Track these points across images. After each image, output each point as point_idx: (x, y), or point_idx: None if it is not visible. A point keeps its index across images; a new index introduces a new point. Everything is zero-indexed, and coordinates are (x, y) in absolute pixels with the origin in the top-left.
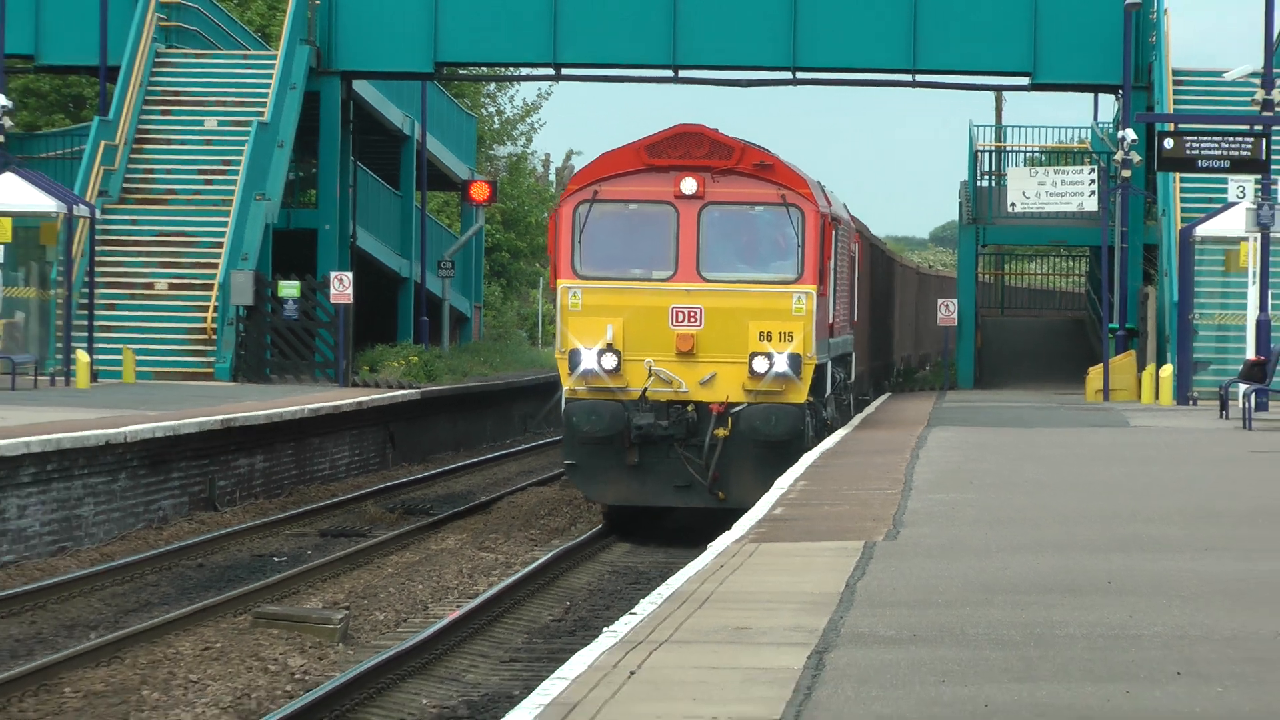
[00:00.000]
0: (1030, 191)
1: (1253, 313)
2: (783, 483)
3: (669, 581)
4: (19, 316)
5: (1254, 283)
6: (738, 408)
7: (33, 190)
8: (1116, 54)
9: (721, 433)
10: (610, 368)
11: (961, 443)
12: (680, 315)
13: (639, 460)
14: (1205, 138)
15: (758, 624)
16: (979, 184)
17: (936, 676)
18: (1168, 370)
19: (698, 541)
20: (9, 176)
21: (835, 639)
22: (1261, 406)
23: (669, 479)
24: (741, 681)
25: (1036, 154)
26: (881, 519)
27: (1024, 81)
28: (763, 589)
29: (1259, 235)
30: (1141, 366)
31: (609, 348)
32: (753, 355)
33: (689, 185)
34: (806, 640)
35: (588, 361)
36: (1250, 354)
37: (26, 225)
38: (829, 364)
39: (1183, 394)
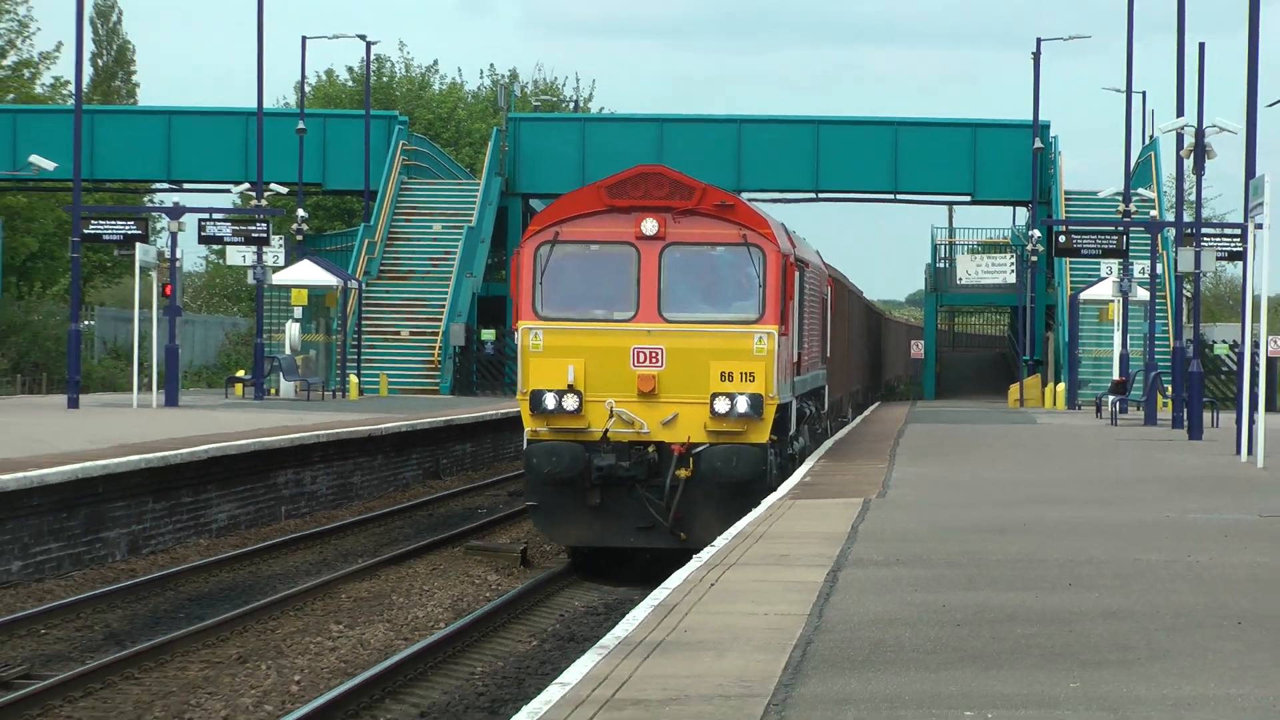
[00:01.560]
0: (971, 270)
1: (1116, 349)
2: (811, 461)
3: (737, 524)
4: (312, 353)
5: (1117, 329)
6: (699, 448)
7: (321, 271)
8: (1027, 181)
9: (683, 473)
10: (571, 409)
11: (928, 434)
12: (642, 356)
13: (600, 501)
14: (1085, 235)
15: (793, 552)
16: (938, 265)
17: (910, 587)
18: (1061, 387)
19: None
20: (306, 262)
21: (844, 562)
22: (1123, 410)
23: (631, 520)
24: (783, 590)
25: (975, 246)
26: (875, 484)
27: (967, 199)
28: (796, 530)
29: (1120, 299)
30: (1044, 384)
31: (570, 388)
32: (714, 396)
33: (650, 226)
34: (825, 563)
35: (549, 402)
36: (1115, 376)
37: (316, 293)
38: (793, 402)
39: (1071, 402)
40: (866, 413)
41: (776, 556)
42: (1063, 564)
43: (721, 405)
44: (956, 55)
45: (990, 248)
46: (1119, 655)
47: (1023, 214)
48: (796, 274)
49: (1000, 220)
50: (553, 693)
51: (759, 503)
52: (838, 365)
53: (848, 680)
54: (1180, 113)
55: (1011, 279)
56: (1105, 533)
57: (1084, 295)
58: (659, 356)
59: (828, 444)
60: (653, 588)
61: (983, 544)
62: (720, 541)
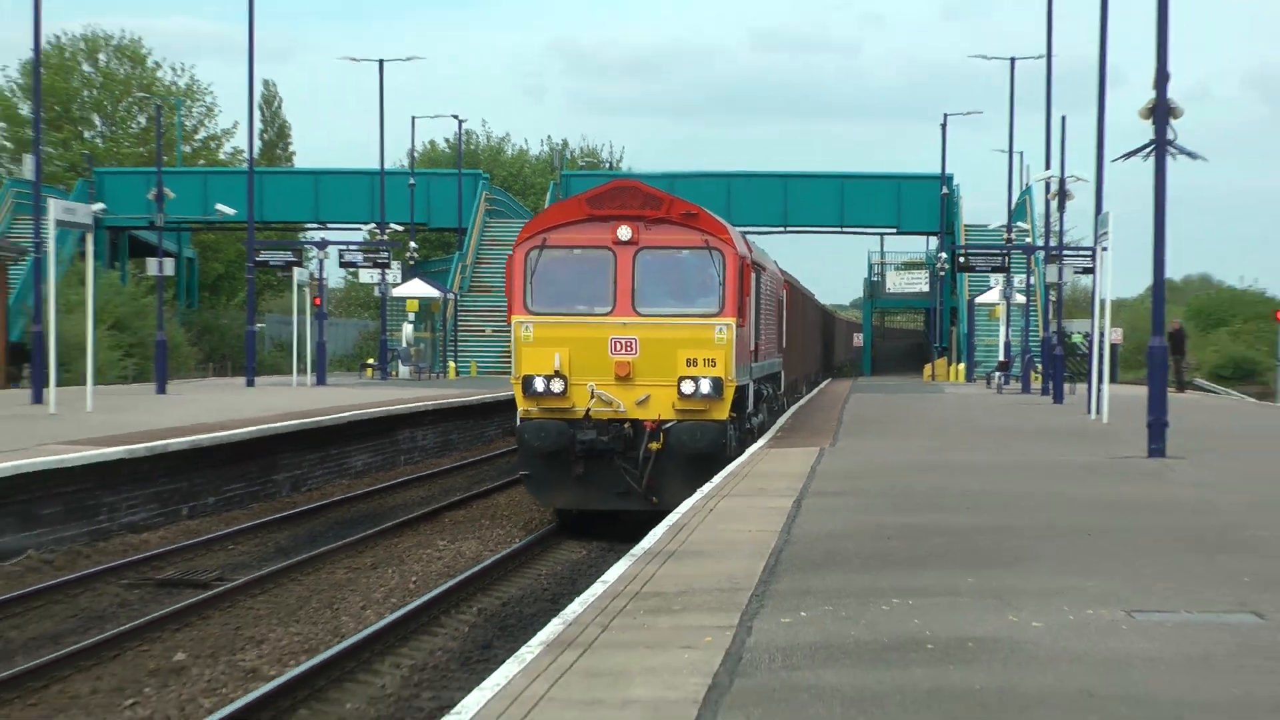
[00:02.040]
0: (897, 282)
1: (1001, 339)
2: (782, 419)
3: (729, 466)
4: (422, 346)
5: (1002, 324)
6: (668, 424)
7: (427, 286)
8: (936, 217)
9: (655, 446)
10: (558, 391)
11: (867, 400)
12: (618, 345)
13: (583, 471)
14: (978, 256)
15: (769, 486)
16: (873, 279)
17: (855, 510)
18: (961, 366)
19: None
20: (416, 280)
21: (806, 493)
22: (1006, 382)
23: (610, 487)
24: (762, 513)
25: (899, 264)
26: (828, 436)
27: (893, 230)
28: (771, 470)
29: (1004, 302)
30: (949, 364)
31: (556, 373)
32: (681, 379)
33: (625, 232)
34: (792, 494)
35: (538, 386)
36: (1000, 358)
37: (424, 302)
38: (750, 384)
39: (969, 377)
40: (821, 386)
41: (757, 489)
42: (963, 493)
43: (687, 387)
44: (886, 126)
45: (910, 266)
46: (1004, 559)
47: (934, 241)
48: (753, 274)
49: (918, 246)
50: (597, 588)
51: (720, 470)
52: (793, 352)
53: (808, 577)
54: (1048, 166)
55: (926, 289)
56: (994, 470)
57: (978, 300)
58: (633, 345)
59: (793, 409)
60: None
61: (906, 480)
62: (717, 479)
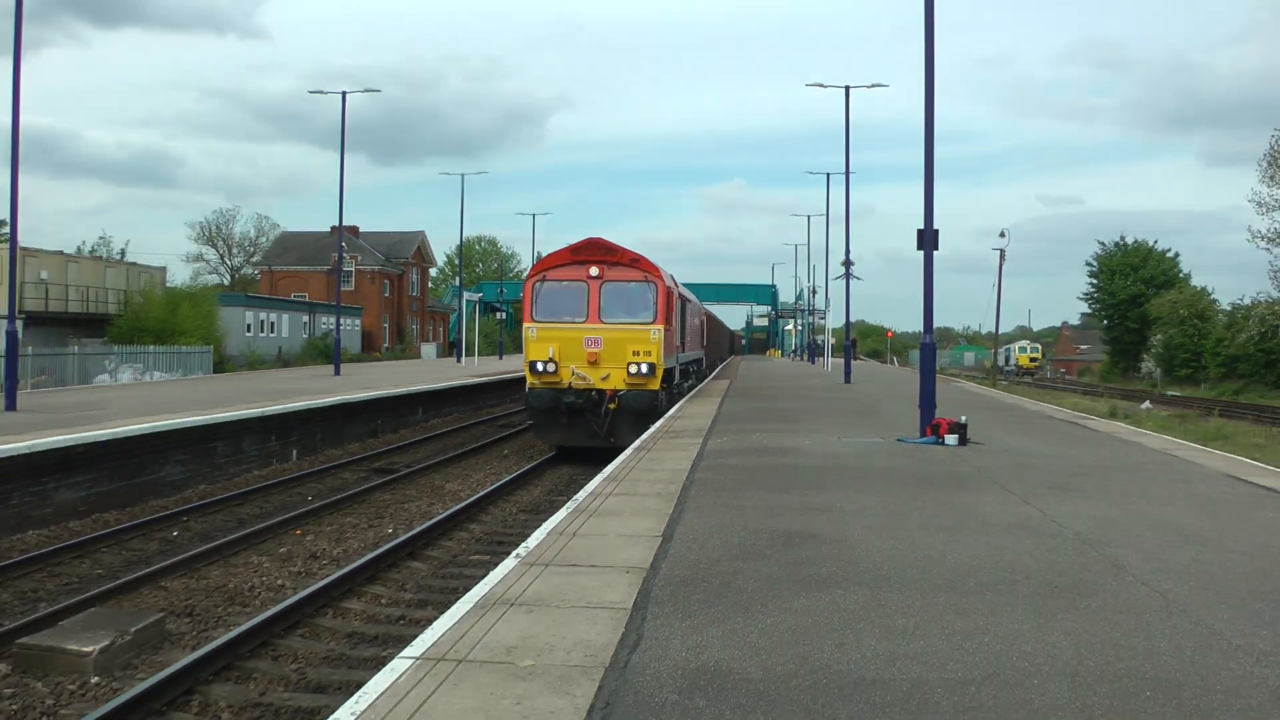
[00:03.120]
0: (756, 320)
1: (793, 342)
2: (700, 384)
3: (656, 423)
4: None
5: (793, 336)
6: (621, 392)
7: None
8: (769, 296)
9: (613, 406)
10: (551, 371)
11: (746, 364)
12: (589, 342)
13: (567, 421)
14: (787, 315)
15: (683, 432)
16: (750, 318)
17: (738, 408)
18: (779, 352)
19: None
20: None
21: (705, 448)
22: (812, 360)
23: (584, 431)
24: (681, 456)
25: (758, 315)
26: (722, 391)
27: (755, 305)
28: (684, 423)
29: (795, 327)
30: (775, 351)
31: (550, 359)
32: (629, 363)
33: (594, 271)
34: (696, 442)
35: (539, 367)
36: (793, 348)
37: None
38: (676, 367)
39: (783, 355)
40: (728, 360)
41: (677, 440)
42: (771, 393)
43: (633, 369)
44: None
45: (759, 314)
46: (790, 419)
47: (766, 307)
48: (677, 300)
49: (764, 307)
50: (569, 505)
51: (655, 421)
52: (711, 347)
53: (708, 494)
54: (810, 280)
55: (767, 323)
56: (782, 378)
57: (786, 328)
58: (599, 342)
59: (710, 376)
60: (602, 468)
61: (759, 391)
62: (645, 435)
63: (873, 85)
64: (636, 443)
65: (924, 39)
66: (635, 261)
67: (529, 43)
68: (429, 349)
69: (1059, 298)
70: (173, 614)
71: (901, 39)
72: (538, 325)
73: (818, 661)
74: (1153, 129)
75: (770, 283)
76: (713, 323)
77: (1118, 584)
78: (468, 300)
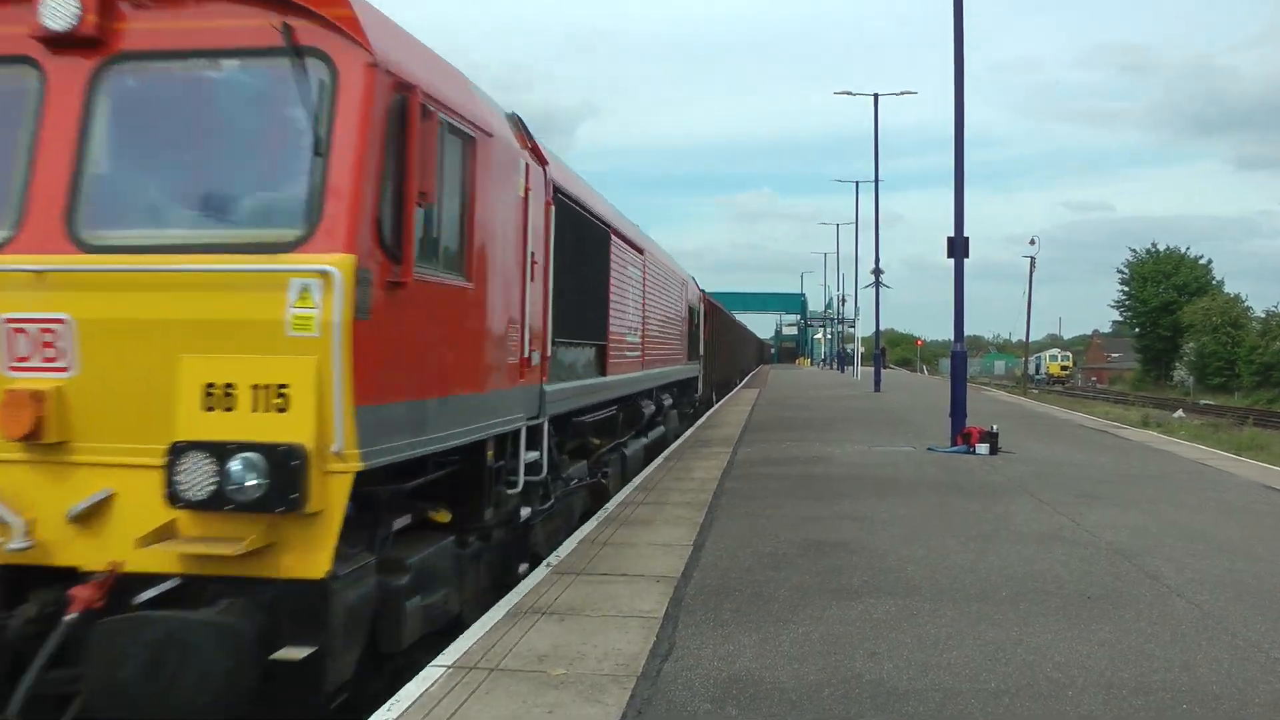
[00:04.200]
0: (785, 330)
1: (822, 349)
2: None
3: (696, 421)
4: None
5: (823, 345)
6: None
7: None
8: (798, 304)
9: None
10: None
11: (775, 372)
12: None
13: None
14: (816, 322)
15: (713, 441)
16: (781, 329)
17: (769, 408)
18: (809, 360)
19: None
20: None
21: (735, 457)
22: (842, 368)
23: None
24: (711, 465)
25: (787, 323)
26: (758, 389)
27: (784, 313)
28: (714, 432)
29: (824, 336)
30: (805, 359)
31: None
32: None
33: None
34: (727, 451)
35: None
36: (822, 357)
37: None
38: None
39: (813, 364)
40: (754, 372)
41: (704, 447)
42: (799, 404)
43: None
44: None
45: (788, 322)
46: (819, 428)
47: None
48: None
49: (791, 317)
50: (599, 514)
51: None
52: (733, 358)
53: (739, 503)
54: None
55: (797, 331)
56: (814, 388)
57: (816, 337)
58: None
59: (738, 385)
60: None
61: (788, 397)
62: (676, 444)
63: (902, 92)
64: (666, 452)
65: (953, 47)
66: None
67: (555, 53)
68: None
69: (1090, 305)
70: None
71: (924, 44)
72: None
73: (850, 671)
74: (1178, 133)
75: (799, 291)
76: (740, 331)
77: (1152, 594)
78: None
